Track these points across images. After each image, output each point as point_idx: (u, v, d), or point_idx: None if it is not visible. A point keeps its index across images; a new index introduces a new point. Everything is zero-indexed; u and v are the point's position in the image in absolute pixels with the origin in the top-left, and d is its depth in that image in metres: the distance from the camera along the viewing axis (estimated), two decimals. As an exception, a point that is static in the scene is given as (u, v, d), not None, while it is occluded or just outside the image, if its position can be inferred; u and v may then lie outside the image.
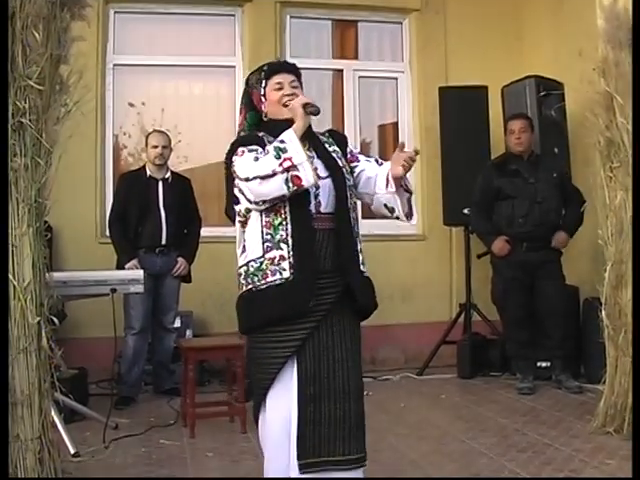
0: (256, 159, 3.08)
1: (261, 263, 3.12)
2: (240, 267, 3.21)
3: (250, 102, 3.37)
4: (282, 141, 3.06)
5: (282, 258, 3.09)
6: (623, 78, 4.69)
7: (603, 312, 4.88)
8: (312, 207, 3.15)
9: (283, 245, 3.10)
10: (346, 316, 3.20)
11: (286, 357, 3.10)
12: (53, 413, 3.94)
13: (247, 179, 3.07)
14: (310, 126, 3.26)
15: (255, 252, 3.15)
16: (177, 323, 6.41)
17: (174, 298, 6.22)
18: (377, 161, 3.39)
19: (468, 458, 4.45)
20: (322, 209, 3.17)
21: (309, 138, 3.22)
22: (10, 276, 3.56)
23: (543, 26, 7.60)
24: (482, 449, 4.60)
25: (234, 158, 3.17)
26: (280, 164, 3.01)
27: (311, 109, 3.14)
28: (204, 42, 7.68)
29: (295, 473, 3.07)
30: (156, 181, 6.11)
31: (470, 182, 6.48)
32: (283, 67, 3.37)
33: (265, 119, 3.32)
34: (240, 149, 3.17)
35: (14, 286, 3.57)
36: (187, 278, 6.24)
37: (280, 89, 3.27)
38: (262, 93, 3.31)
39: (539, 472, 4.12)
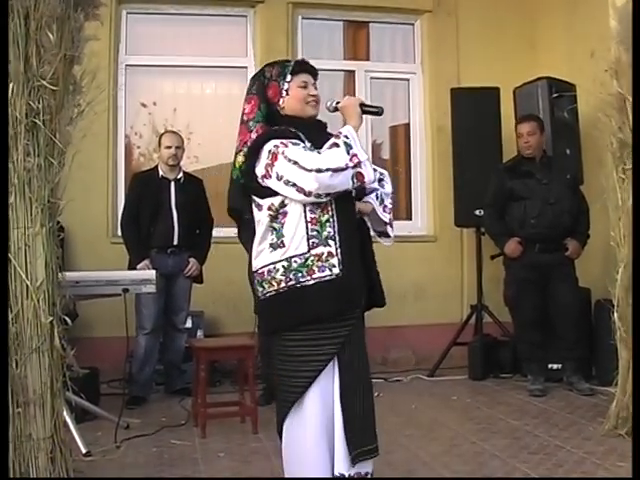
0: (315, 152, 3.09)
1: (306, 259, 3.11)
2: (275, 263, 3.14)
3: (264, 93, 3.38)
4: (347, 137, 3.11)
5: (330, 254, 3.11)
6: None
7: (615, 314, 4.87)
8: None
9: (331, 242, 3.12)
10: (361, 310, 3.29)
11: (333, 354, 3.14)
12: (65, 413, 3.95)
13: (319, 170, 3.02)
14: (326, 125, 3.35)
15: (299, 248, 3.12)
16: (188, 323, 6.43)
17: (185, 298, 6.23)
18: None
19: (479, 460, 4.44)
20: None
21: (329, 137, 3.21)
22: (23, 275, 3.57)
23: (555, 27, 7.58)
24: (493, 451, 4.59)
25: (279, 149, 3.11)
26: (351, 159, 3.05)
27: (373, 109, 3.30)
28: (216, 43, 7.69)
29: (343, 468, 3.12)
30: (168, 181, 6.12)
31: (482, 183, 6.48)
32: (308, 68, 3.43)
33: (282, 114, 3.33)
34: (281, 141, 3.14)
35: (27, 286, 3.58)
36: (199, 278, 6.25)
37: (305, 88, 3.33)
38: (285, 87, 3.34)
39: (551, 474, 4.12)
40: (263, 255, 3.18)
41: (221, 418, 5.25)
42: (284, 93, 3.33)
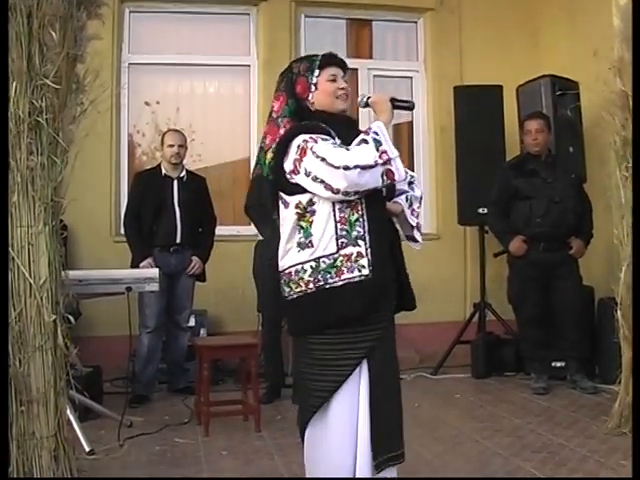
0: (344, 148, 3.02)
1: (335, 259, 3.04)
2: (303, 263, 3.08)
3: (292, 89, 3.29)
4: (376, 133, 3.04)
5: (360, 255, 3.03)
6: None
7: (618, 312, 4.87)
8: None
9: (360, 242, 3.04)
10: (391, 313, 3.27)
11: (360, 358, 3.08)
12: (68, 411, 3.95)
13: (347, 167, 2.94)
14: (356, 121, 3.33)
15: (328, 248, 3.06)
16: (191, 322, 6.44)
17: (188, 297, 6.23)
18: None
19: (483, 458, 4.44)
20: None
21: (359, 133, 3.17)
22: (26, 274, 3.57)
23: (559, 25, 7.57)
24: (496, 449, 4.59)
25: (308, 145, 3.03)
26: (380, 156, 2.97)
27: (404, 104, 3.25)
28: (219, 41, 7.70)
29: (366, 473, 3.08)
30: (171, 180, 6.13)
31: (485, 181, 6.47)
32: (337, 61, 3.32)
33: (312, 109, 3.25)
34: (310, 136, 3.07)
35: (30, 284, 3.58)
36: (202, 277, 6.25)
37: (334, 81, 3.24)
38: (313, 82, 3.25)
39: (554, 473, 4.11)
40: (290, 254, 3.13)
41: (224, 416, 5.25)
42: (313, 88, 3.24)
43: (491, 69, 7.52)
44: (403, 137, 8.17)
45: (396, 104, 3.20)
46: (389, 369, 3.16)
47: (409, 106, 3.28)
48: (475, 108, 7.03)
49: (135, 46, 7.45)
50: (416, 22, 8.11)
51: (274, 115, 3.31)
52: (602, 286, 6.08)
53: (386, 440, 3.11)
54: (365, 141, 3.00)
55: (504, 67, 7.56)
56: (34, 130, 3.64)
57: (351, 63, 7.93)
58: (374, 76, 7.94)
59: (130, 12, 7.42)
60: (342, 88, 3.24)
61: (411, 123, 8.06)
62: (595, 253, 6.26)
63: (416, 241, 3.39)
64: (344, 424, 3.10)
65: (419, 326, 7.39)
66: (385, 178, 3.00)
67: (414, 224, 3.30)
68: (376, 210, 3.10)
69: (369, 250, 3.04)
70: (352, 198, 3.02)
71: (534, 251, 6.12)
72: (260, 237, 5.95)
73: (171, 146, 6.11)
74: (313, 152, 2.99)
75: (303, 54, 7.55)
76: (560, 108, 6.69)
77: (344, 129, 3.18)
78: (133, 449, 4.68)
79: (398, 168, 3.02)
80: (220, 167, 7.67)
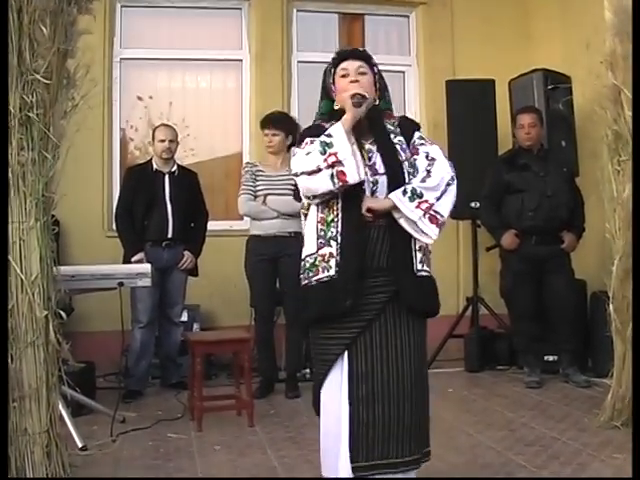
0: (308, 153, 3.07)
1: (315, 259, 3.14)
2: (302, 260, 3.23)
3: (325, 90, 3.33)
4: (329, 135, 3.04)
5: (331, 255, 3.09)
6: (631, 71, 4.67)
7: (611, 306, 4.87)
8: None
9: (333, 242, 3.10)
10: (403, 315, 3.16)
11: (336, 355, 3.10)
12: (61, 407, 3.96)
13: (296, 174, 3.08)
14: (378, 115, 3.25)
15: (310, 248, 3.17)
16: (184, 316, 6.43)
17: (181, 292, 6.22)
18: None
19: (475, 451, 4.44)
20: None
21: (374, 129, 3.18)
22: (18, 270, 3.57)
23: (551, 19, 7.57)
24: (489, 443, 4.59)
25: (296, 150, 3.18)
26: (325, 159, 2.99)
27: (355, 100, 3.11)
28: (211, 36, 7.69)
29: (345, 473, 3.06)
30: (163, 175, 6.11)
31: (477, 175, 6.46)
32: (350, 54, 3.31)
33: (336, 108, 3.25)
34: (306, 140, 3.17)
35: (22, 280, 3.58)
36: (194, 272, 6.24)
37: (345, 76, 3.23)
38: (331, 81, 3.28)
39: (546, 466, 4.11)
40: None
41: (217, 411, 5.24)
42: (333, 88, 3.28)
43: (483, 63, 7.51)
44: (396, 131, 8.15)
45: (354, 101, 3.12)
46: (383, 372, 3.09)
47: (355, 103, 3.13)
48: (468, 102, 7.03)
49: (127, 41, 7.44)
50: (408, 16, 8.11)
51: (315, 117, 3.38)
52: (595, 280, 6.09)
53: (366, 445, 3.06)
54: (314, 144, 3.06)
55: (496, 61, 7.55)
56: (25, 125, 3.64)
57: (343, 57, 8.02)
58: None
59: (122, 7, 7.41)
60: (352, 81, 3.20)
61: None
62: (587, 247, 6.26)
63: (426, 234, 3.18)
64: (329, 422, 3.14)
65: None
66: (337, 180, 2.99)
67: (415, 219, 3.11)
68: (352, 211, 3.09)
69: (339, 251, 3.08)
70: (316, 202, 3.11)
71: (526, 245, 6.12)
72: (252, 232, 5.97)
73: (162, 141, 6.09)
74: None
75: (295, 48, 7.63)
76: (552, 102, 6.70)
77: (363, 123, 3.19)
78: (126, 444, 4.67)
79: (350, 170, 2.99)
80: (212, 161, 7.67)
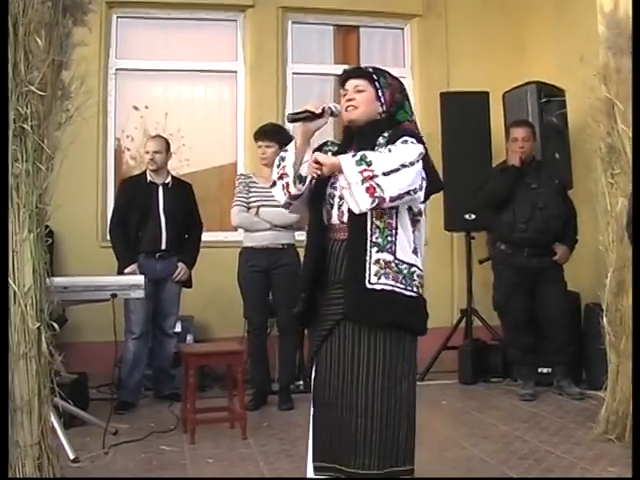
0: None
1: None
2: None
3: None
4: (286, 150, 3.19)
5: (305, 265, 3.31)
6: (624, 84, 4.69)
7: (604, 318, 4.87)
8: (336, 217, 3.19)
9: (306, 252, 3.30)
10: (364, 328, 3.12)
11: (312, 359, 3.27)
12: (53, 418, 3.94)
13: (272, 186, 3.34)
14: (370, 129, 3.24)
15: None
16: (178, 328, 6.42)
17: (174, 303, 6.21)
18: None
19: (469, 465, 4.44)
20: (344, 219, 3.16)
21: (360, 143, 3.18)
22: (10, 281, 3.55)
23: (544, 32, 7.60)
24: (483, 456, 4.59)
25: None
26: (278, 172, 3.18)
27: (291, 116, 3.21)
28: (206, 47, 7.71)
29: (310, 471, 3.21)
30: (156, 186, 6.11)
31: (471, 187, 6.48)
32: (349, 74, 3.36)
33: (344, 127, 3.39)
34: None
35: (14, 291, 3.56)
36: (188, 283, 6.24)
37: (345, 95, 3.30)
38: (339, 102, 3.35)
39: (541, 480, 4.12)
40: None
41: (210, 423, 5.23)
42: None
43: (477, 75, 7.53)
44: (390, 143, 8.17)
45: (294, 118, 3.19)
46: (338, 381, 3.14)
47: (289, 118, 3.21)
48: (462, 114, 7.04)
49: (122, 52, 7.46)
50: (403, 28, 8.13)
51: None
52: (588, 292, 6.09)
53: (321, 448, 3.17)
54: None
55: (490, 73, 7.58)
56: (19, 137, 3.63)
57: (338, 69, 7.96)
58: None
59: (117, 18, 7.43)
60: (347, 100, 3.27)
61: (398, 129, 8.05)
62: (581, 259, 6.27)
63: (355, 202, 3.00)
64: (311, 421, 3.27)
65: (406, 332, 7.40)
66: (285, 192, 3.20)
67: (352, 181, 2.95)
68: (314, 224, 3.27)
69: (303, 260, 3.35)
70: (294, 209, 3.36)
71: (518, 257, 6.14)
72: (245, 243, 5.97)
73: (147, 152, 6.13)
74: None
75: (290, 60, 7.65)
76: (546, 115, 6.72)
77: (344, 141, 3.32)
78: (118, 456, 4.65)
79: (291, 182, 3.17)
80: (208, 172, 7.69)
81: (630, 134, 4.63)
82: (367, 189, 2.94)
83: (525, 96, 6.80)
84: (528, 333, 6.19)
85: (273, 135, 5.94)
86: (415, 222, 3.21)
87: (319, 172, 3.05)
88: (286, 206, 3.29)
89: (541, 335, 6.20)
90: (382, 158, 3.00)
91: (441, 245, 7.71)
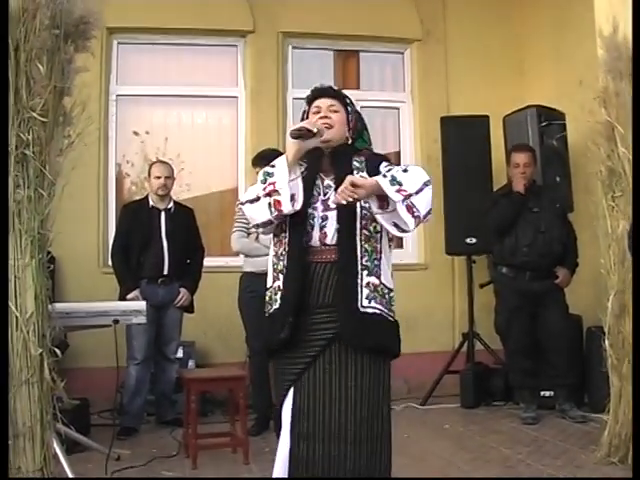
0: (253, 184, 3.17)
1: (271, 292, 3.16)
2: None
3: None
4: (273, 165, 3.10)
5: (278, 289, 3.10)
6: (624, 108, 4.71)
7: (606, 341, 4.86)
8: (317, 239, 3.07)
9: (281, 276, 3.10)
10: (351, 352, 3.03)
11: (286, 388, 3.06)
12: (55, 444, 3.92)
13: (242, 202, 3.18)
14: (345, 152, 3.20)
15: (269, 281, 3.19)
16: (179, 353, 6.41)
17: (176, 328, 6.20)
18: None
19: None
20: (327, 241, 3.06)
21: (336, 165, 3.15)
22: (12, 307, 3.56)
23: (544, 56, 7.64)
24: (486, 480, 4.57)
25: None
26: (264, 188, 3.03)
27: (291, 131, 3.10)
28: (207, 73, 7.75)
29: None
30: (159, 211, 6.12)
31: (472, 211, 6.49)
32: (323, 92, 3.31)
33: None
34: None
35: (16, 317, 3.57)
36: (190, 308, 6.23)
37: (317, 113, 3.23)
38: (305, 118, 3.28)
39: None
40: None
41: (212, 449, 5.21)
42: None
43: (478, 99, 7.56)
44: (390, 167, 8.19)
45: (293, 133, 3.10)
46: (325, 410, 2.99)
47: (291, 135, 3.11)
48: (462, 138, 7.06)
49: (123, 78, 7.50)
50: (403, 53, 8.17)
51: None
52: (590, 315, 6.09)
53: None
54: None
55: (490, 97, 7.60)
56: (21, 163, 3.66)
57: (338, 94, 8.07)
58: (361, 107, 7.85)
59: (118, 44, 7.46)
60: (321, 117, 3.20)
61: (398, 153, 8.10)
62: (582, 282, 6.27)
63: (404, 231, 3.04)
64: (280, 459, 3.06)
65: (408, 356, 7.32)
66: (273, 209, 3.01)
67: (397, 200, 2.91)
68: (296, 246, 3.07)
69: (284, 284, 3.08)
70: (261, 231, 3.30)
71: (520, 280, 6.14)
72: (245, 269, 5.96)
73: (158, 177, 6.10)
74: None
75: (290, 85, 7.68)
76: (546, 138, 6.73)
77: (312, 161, 3.20)
78: (121, 483, 4.64)
79: (284, 199, 2.99)
80: (208, 197, 7.70)
81: (630, 157, 4.64)
82: (407, 209, 2.93)
83: (525, 120, 6.82)
84: (530, 356, 6.18)
85: (271, 160, 5.92)
86: (390, 247, 3.22)
87: (355, 196, 2.89)
88: (264, 225, 3.11)
89: (543, 358, 6.19)
90: (408, 178, 2.97)
91: (442, 269, 7.72)
